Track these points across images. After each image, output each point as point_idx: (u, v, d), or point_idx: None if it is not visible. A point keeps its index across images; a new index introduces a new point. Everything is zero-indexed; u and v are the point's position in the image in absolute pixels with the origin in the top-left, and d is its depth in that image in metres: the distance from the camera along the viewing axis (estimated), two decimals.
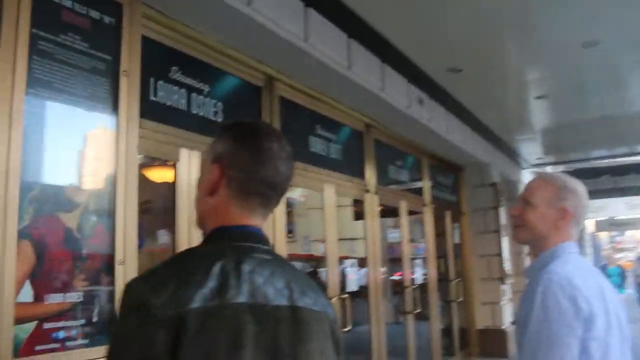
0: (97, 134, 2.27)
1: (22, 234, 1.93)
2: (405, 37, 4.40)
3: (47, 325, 1.97)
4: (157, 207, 3.86)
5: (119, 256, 2.24)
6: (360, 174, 5.12)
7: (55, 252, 2.04)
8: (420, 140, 6.18)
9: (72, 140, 2.18)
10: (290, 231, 7.61)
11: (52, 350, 1.98)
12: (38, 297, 1.96)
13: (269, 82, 3.95)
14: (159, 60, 2.95)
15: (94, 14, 2.30)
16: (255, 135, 1.18)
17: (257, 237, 1.15)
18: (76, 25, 2.23)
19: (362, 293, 4.96)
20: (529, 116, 7.04)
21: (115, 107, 2.34)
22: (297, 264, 6.77)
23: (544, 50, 4.75)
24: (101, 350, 2.10)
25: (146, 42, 2.67)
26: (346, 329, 4.33)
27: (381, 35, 4.32)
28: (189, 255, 1.15)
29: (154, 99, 2.90)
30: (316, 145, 4.53)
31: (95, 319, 2.14)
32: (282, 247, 3.91)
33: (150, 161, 3.36)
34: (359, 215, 6.00)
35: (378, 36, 4.30)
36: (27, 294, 1.93)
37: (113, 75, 2.35)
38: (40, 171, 2.05)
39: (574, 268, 1.54)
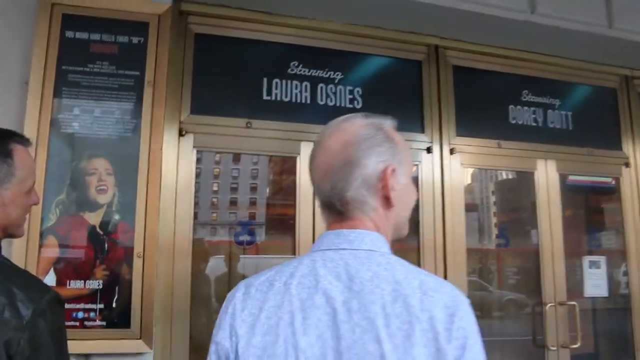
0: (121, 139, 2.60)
1: (48, 231, 2.42)
2: None
3: (67, 306, 2.39)
4: None
5: (137, 249, 2.49)
6: (613, 144, 3.79)
7: (79, 246, 2.45)
8: None
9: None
10: None
11: (72, 327, 2.38)
12: (60, 282, 2.41)
13: (433, 52, 3.48)
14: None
15: (122, 38, 2.65)
16: None
17: None
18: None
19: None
20: None
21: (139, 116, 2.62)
22: None
23: None
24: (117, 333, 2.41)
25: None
26: (575, 346, 3.34)
27: None
28: None
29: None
30: (521, 115, 3.67)
31: (114, 305, 2.45)
32: None
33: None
34: None
35: None
36: (51, 278, 2.40)
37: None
38: (65, 177, 2.50)
39: None
